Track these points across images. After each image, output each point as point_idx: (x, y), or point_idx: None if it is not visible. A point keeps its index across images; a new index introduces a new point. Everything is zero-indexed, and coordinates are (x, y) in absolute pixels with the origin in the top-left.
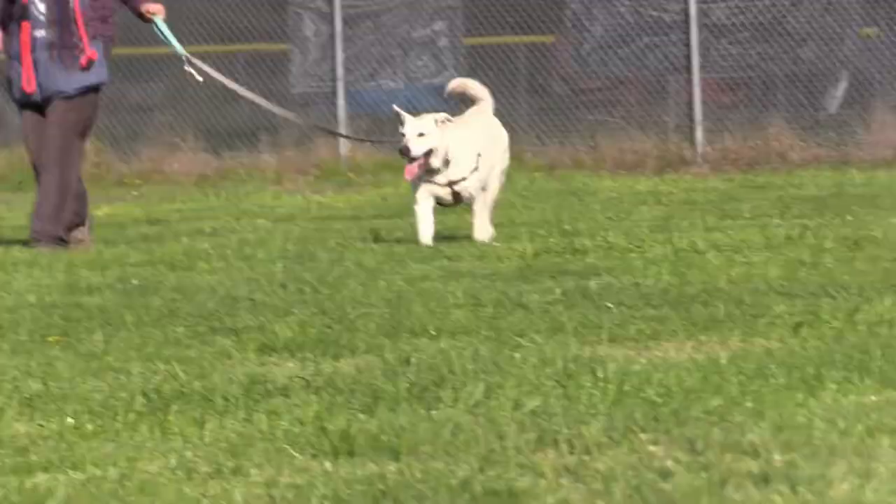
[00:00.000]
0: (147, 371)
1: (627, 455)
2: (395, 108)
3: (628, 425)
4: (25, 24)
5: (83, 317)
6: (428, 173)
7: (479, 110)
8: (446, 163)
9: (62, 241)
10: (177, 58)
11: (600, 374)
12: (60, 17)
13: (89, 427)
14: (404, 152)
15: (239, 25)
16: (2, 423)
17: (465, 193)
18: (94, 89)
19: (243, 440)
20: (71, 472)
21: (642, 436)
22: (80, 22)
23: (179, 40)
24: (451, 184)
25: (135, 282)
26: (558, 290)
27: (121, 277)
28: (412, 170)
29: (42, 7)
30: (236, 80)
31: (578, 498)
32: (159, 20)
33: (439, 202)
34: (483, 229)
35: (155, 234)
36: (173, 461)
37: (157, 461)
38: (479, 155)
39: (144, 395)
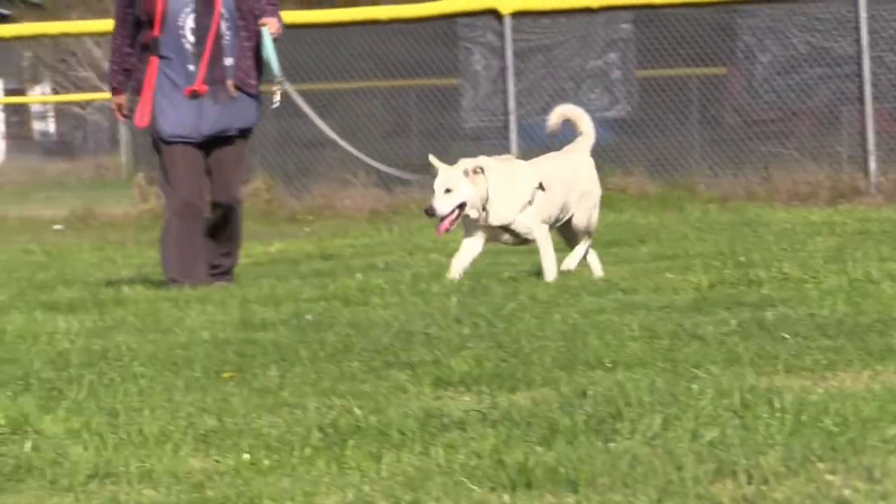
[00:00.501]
0: (323, 406)
1: (805, 485)
2: (431, 158)
3: (806, 455)
4: (153, 59)
5: (257, 352)
6: (471, 220)
7: (572, 147)
8: (485, 209)
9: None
10: (347, 94)
11: (777, 405)
12: (212, 53)
13: (266, 462)
14: (429, 212)
15: (409, 60)
16: (177, 460)
17: (520, 230)
18: (248, 131)
19: (421, 474)
20: None
21: (820, 465)
22: (230, 59)
23: (342, 76)
24: (502, 227)
25: (309, 317)
26: (734, 322)
27: (295, 313)
28: (443, 227)
29: (190, 44)
30: (409, 116)
31: None
32: (266, 33)
33: (504, 243)
34: (574, 259)
35: (328, 269)
36: (351, 496)
37: (335, 496)
38: (536, 188)
39: (321, 429)
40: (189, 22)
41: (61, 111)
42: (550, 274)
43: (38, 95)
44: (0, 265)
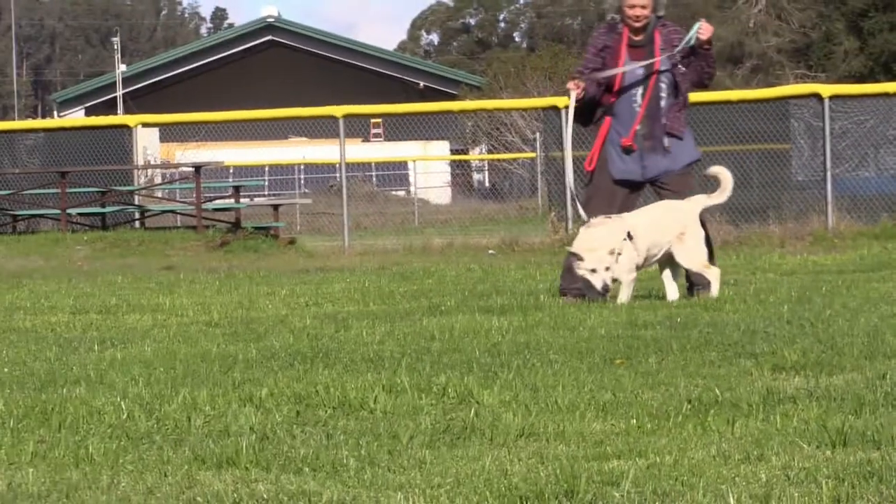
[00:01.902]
0: (690, 385)
1: None
2: (568, 249)
3: None
4: (608, 119)
5: (641, 345)
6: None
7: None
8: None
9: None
10: (707, 156)
11: None
12: (652, 114)
13: (648, 426)
14: (606, 290)
15: (751, 130)
16: (583, 423)
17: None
18: (690, 165)
19: (764, 435)
20: (637, 460)
21: None
22: (664, 118)
23: (704, 142)
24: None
25: (678, 319)
26: None
27: (668, 316)
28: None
29: (638, 107)
30: (752, 173)
31: None
32: (696, 27)
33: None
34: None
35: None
36: (713, 451)
37: (701, 451)
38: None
39: (689, 402)
40: (640, 91)
41: (494, 166)
42: (622, 299)
43: (477, 154)
44: (450, 280)
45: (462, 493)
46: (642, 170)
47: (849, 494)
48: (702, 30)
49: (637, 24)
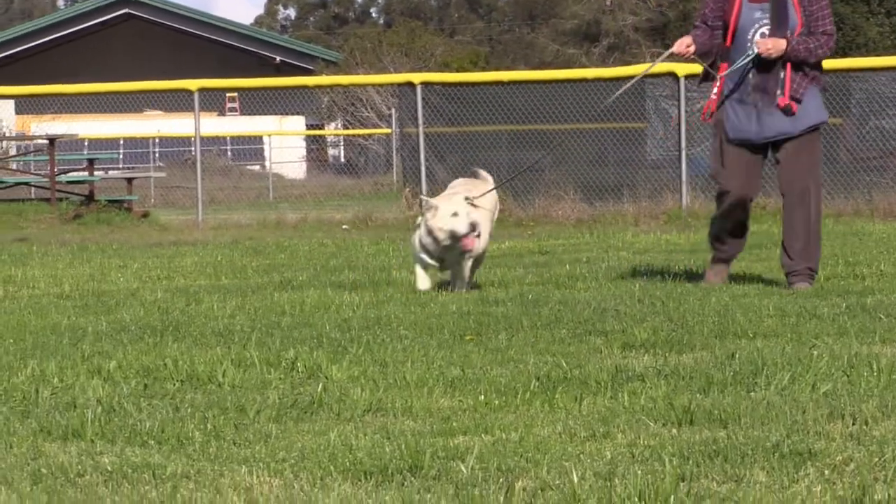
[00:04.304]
0: (539, 362)
1: (895, 425)
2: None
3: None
4: (723, 66)
5: (491, 322)
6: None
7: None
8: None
9: (814, 274)
10: (559, 134)
11: (875, 366)
12: (767, 66)
13: (496, 402)
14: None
15: (607, 108)
16: (431, 399)
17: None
18: (816, 128)
19: (611, 412)
20: (483, 436)
21: None
22: (788, 69)
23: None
24: None
25: (530, 296)
26: (844, 305)
27: (519, 293)
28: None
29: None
30: (605, 154)
31: (859, 456)
32: (754, 49)
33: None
34: None
35: (544, 261)
36: (559, 427)
37: (547, 428)
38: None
39: (537, 379)
40: (757, 37)
41: (349, 142)
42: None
43: (332, 129)
44: (303, 254)
45: (306, 467)
46: (758, 128)
47: (693, 473)
48: (759, 49)
49: None
